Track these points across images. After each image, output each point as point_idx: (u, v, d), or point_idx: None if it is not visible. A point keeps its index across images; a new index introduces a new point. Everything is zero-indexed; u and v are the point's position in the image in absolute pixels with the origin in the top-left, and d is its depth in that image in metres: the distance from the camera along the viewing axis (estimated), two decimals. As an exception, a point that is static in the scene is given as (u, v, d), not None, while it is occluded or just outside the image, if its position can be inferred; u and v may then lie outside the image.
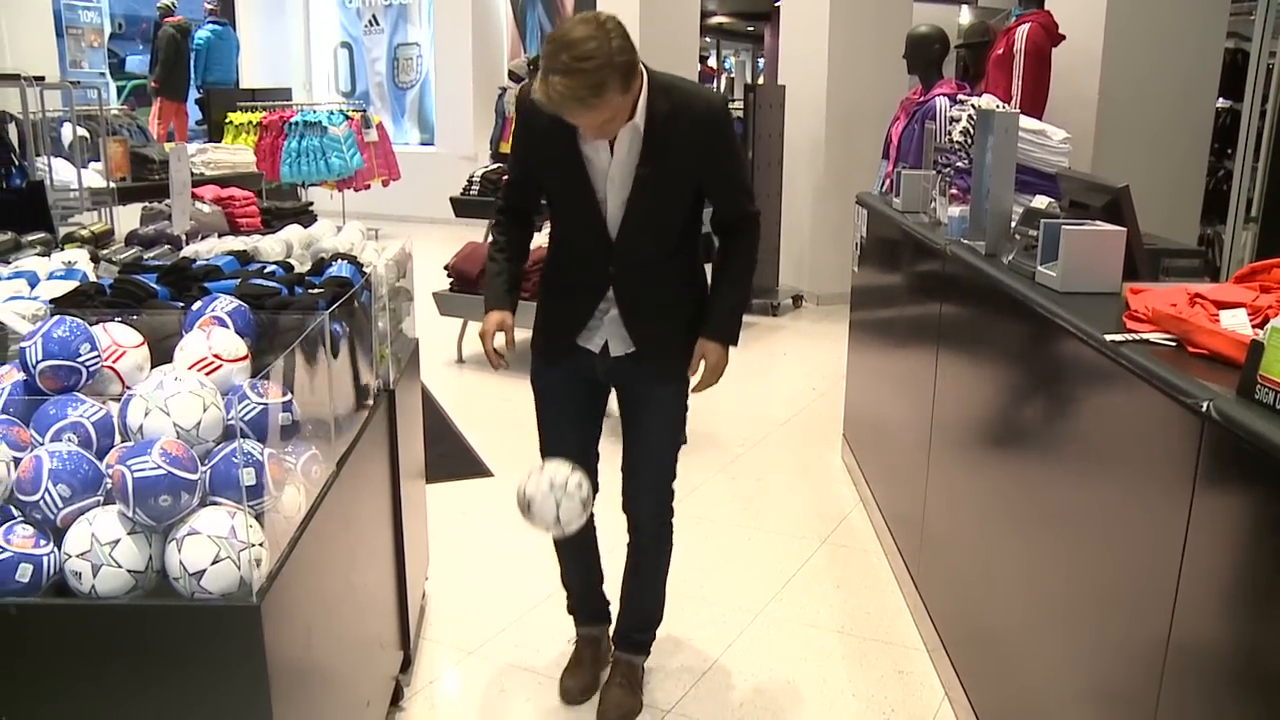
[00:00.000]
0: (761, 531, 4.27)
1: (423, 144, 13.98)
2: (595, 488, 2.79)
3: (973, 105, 3.66)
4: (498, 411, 5.78)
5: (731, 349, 2.79)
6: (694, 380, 2.81)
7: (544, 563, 3.74)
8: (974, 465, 3.04)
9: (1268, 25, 6.91)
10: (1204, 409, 1.68)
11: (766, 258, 8.31)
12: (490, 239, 2.97)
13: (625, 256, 2.70)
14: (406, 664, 3.12)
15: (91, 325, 2.08)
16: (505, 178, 2.99)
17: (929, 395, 3.43)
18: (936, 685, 3.15)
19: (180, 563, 1.73)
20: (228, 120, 11.18)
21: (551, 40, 2.34)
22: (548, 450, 2.89)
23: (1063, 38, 5.73)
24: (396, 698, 2.97)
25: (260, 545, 1.77)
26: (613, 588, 3.13)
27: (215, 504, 1.81)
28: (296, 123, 10.91)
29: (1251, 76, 7.05)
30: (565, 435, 2.90)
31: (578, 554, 3.09)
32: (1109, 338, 2.05)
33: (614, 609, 3.15)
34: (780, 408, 5.93)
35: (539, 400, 2.94)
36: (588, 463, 2.83)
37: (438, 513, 3.80)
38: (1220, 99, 7.02)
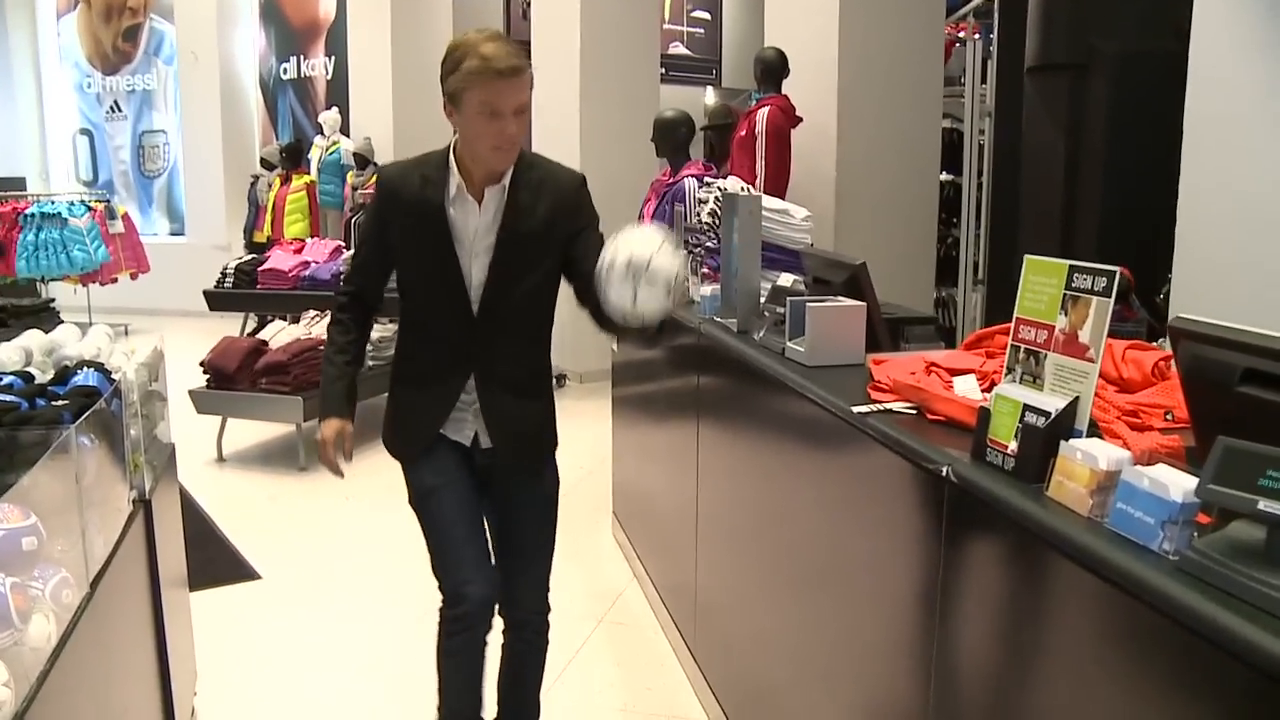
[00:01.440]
0: (541, 614, 4.25)
1: (173, 234, 13.47)
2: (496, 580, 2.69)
3: (718, 188, 3.82)
4: (262, 511, 5.59)
5: None
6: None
7: (322, 668, 3.64)
8: (739, 534, 3.14)
9: (975, 107, 7.56)
10: (944, 473, 1.81)
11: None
12: (328, 337, 2.76)
13: (487, 332, 2.62)
14: (175, 790, 2.95)
15: None
16: (352, 262, 2.85)
17: (692, 468, 3.53)
18: (721, 754, 3.21)
19: (-89, 711, 1.60)
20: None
21: (457, 44, 2.45)
22: (455, 556, 2.66)
23: (800, 120, 6.07)
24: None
25: (5, 684, 1.66)
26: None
27: (-48, 643, 1.68)
28: (33, 214, 10.31)
29: (968, 152, 7.69)
30: (470, 535, 2.69)
31: (477, 667, 2.76)
32: (855, 409, 2.17)
33: None
34: (553, 487, 5.93)
35: (430, 506, 2.68)
36: (487, 558, 2.70)
37: (203, 622, 3.63)
38: (944, 173, 7.59)
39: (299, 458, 6.23)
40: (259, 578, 4.62)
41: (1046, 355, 1.77)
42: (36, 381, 2.65)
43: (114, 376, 2.74)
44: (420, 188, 2.57)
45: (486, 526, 2.76)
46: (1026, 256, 1.85)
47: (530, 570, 2.81)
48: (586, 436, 6.95)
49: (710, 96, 13.40)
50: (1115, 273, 1.65)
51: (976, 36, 7.77)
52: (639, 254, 2.27)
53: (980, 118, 7.60)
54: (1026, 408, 1.72)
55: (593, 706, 3.50)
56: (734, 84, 13.49)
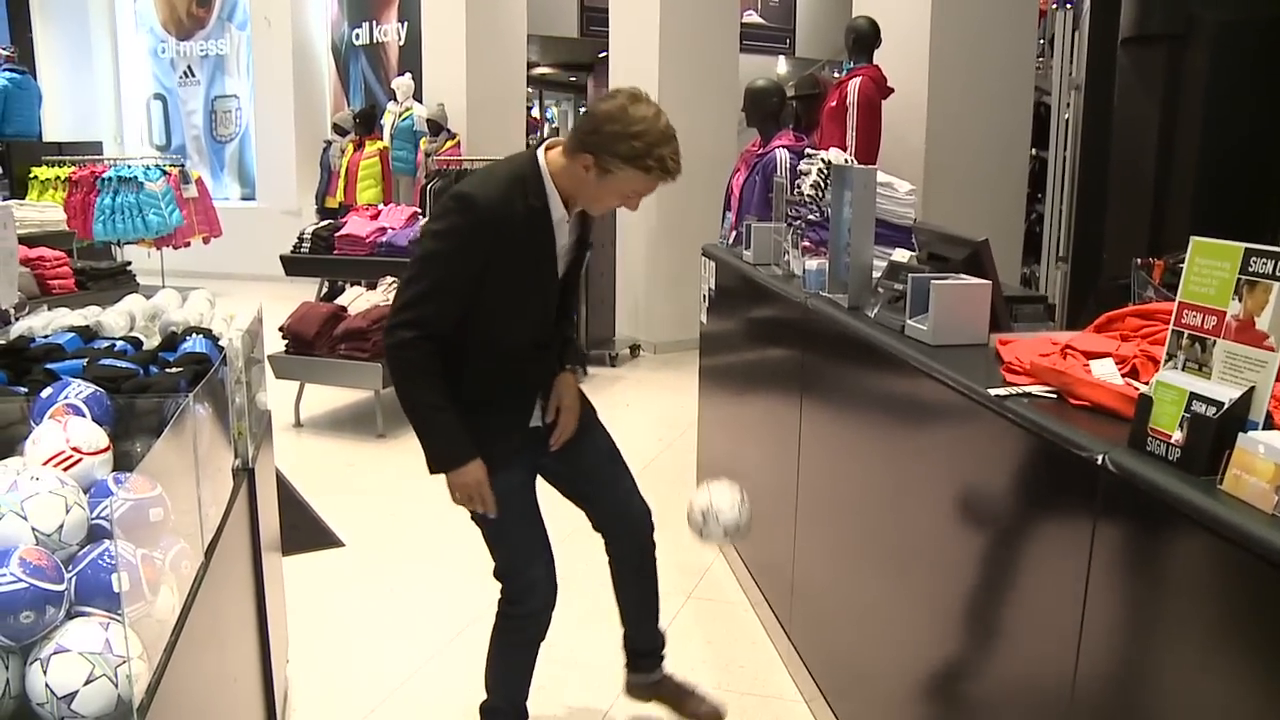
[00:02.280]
0: (626, 589, 4.21)
1: (244, 199, 13.56)
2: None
3: (822, 159, 3.73)
4: (341, 477, 5.60)
5: None
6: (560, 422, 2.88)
7: (405, 637, 3.63)
8: (846, 514, 3.07)
9: (1063, 79, 7.36)
10: (1100, 461, 1.72)
11: (602, 307, 8.33)
12: (411, 380, 2.58)
13: (553, 330, 2.84)
14: (274, 757, 2.95)
15: (-75, 419, 1.90)
16: (424, 303, 2.54)
17: (794, 444, 3.46)
18: (818, 737, 3.15)
19: (46, 685, 1.56)
20: (32, 175, 10.61)
21: (634, 120, 2.48)
22: (532, 556, 2.83)
23: (891, 91, 5.94)
24: (266, 796, 2.80)
25: (138, 657, 1.63)
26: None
27: (84, 615, 1.65)
28: (110, 178, 10.42)
29: (1054, 126, 7.50)
30: (542, 536, 2.88)
31: (532, 663, 2.95)
32: (993, 392, 2.09)
33: None
34: (630, 459, 5.85)
35: (506, 512, 2.72)
36: (554, 564, 2.90)
37: (291, 589, 3.62)
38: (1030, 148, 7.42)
39: (376, 424, 6.23)
40: (343, 545, 4.63)
41: (1215, 342, 1.67)
42: (146, 347, 2.63)
43: (220, 344, 2.72)
44: (524, 214, 2.55)
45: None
46: (1193, 239, 1.75)
47: (626, 476, 3.07)
48: (664, 407, 6.93)
49: (783, 66, 13.25)
50: (1301, 256, 1.56)
51: (1069, 5, 7.55)
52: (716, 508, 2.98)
53: (1068, 90, 7.39)
54: (1194, 396, 1.63)
55: (685, 684, 3.45)
56: (808, 53, 13.33)
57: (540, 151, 2.62)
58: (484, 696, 2.98)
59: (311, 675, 3.49)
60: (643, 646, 3.19)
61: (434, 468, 2.62)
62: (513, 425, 2.77)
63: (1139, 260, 5.29)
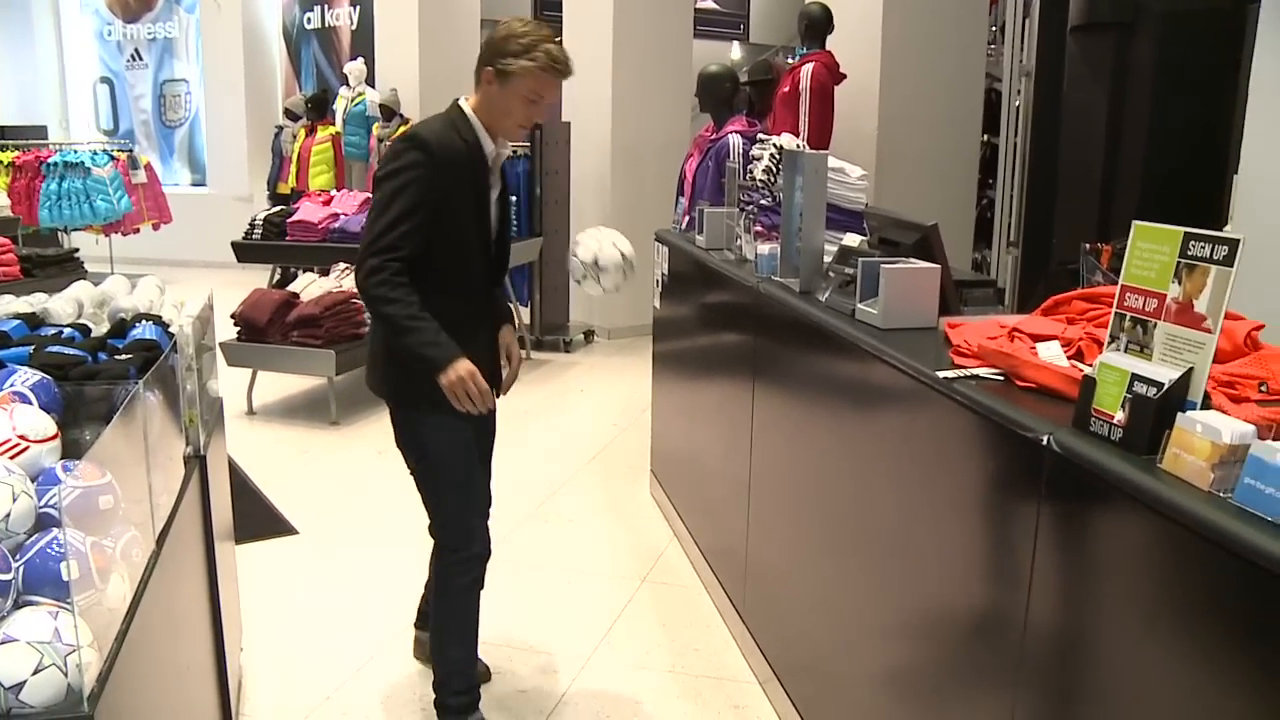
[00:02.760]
0: (580, 574, 4.23)
1: (194, 185, 13.38)
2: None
3: (774, 144, 3.74)
4: (295, 465, 5.57)
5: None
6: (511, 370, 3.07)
7: (359, 624, 3.62)
8: (799, 497, 3.09)
9: (1013, 66, 7.43)
10: (1045, 441, 1.76)
11: (557, 294, 8.32)
12: (390, 300, 2.65)
13: (496, 274, 3.01)
14: (228, 745, 2.93)
15: None
16: (393, 229, 2.66)
17: (747, 428, 3.48)
18: (773, 717, 3.18)
19: (-6, 674, 1.56)
20: (-9, 162, 10.42)
21: (517, 31, 2.73)
22: (473, 501, 2.94)
23: (844, 76, 5.98)
24: (220, 784, 2.79)
25: (88, 646, 1.62)
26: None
27: (32, 604, 1.64)
28: (55, 163, 10.24)
29: (1005, 112, 7.57)
30: (484, 481, 3.03)
31: (477, 612, 3.01)
32: (941, 374, 2.12)
33: None
34: (584, 445, 5.91)
35: (450, 449, 2.83)
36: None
37: (245, 577, 3.61)
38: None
39: (330, 411, 6.20)
40: (296, 532, 4.60)
41: (1156, 324, 1.71)
42: (94, 334, 2.61)
43: (171, 331, 2.70)
44: (464, 149, 2.77)
45: None
46: (1135, 223, 1.78)
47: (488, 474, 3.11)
48: (619, 393, 6.95)
49: (737, 51, 13.26)
50: (1238, 241, 1.59)
51: (1017, -7, 7.62)
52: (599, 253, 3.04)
53: (1019, 77, 7.47)
54: (1135, 377, 1.67)
55: (641, 667, 3.48)
56: (761, 39, 13.35)
57: (461, 99, 2.86)
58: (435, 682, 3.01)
59: (266, 663, 3.47)
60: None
61: (435, 371, 2.67)
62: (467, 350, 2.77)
63: (1087, 245, 5.37)
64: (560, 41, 2.76)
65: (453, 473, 2.86)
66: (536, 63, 2.67)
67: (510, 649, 3.52)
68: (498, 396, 2.90)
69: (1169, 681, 1.50)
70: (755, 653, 3.41)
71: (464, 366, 2.67)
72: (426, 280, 2.72)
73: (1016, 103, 7.69)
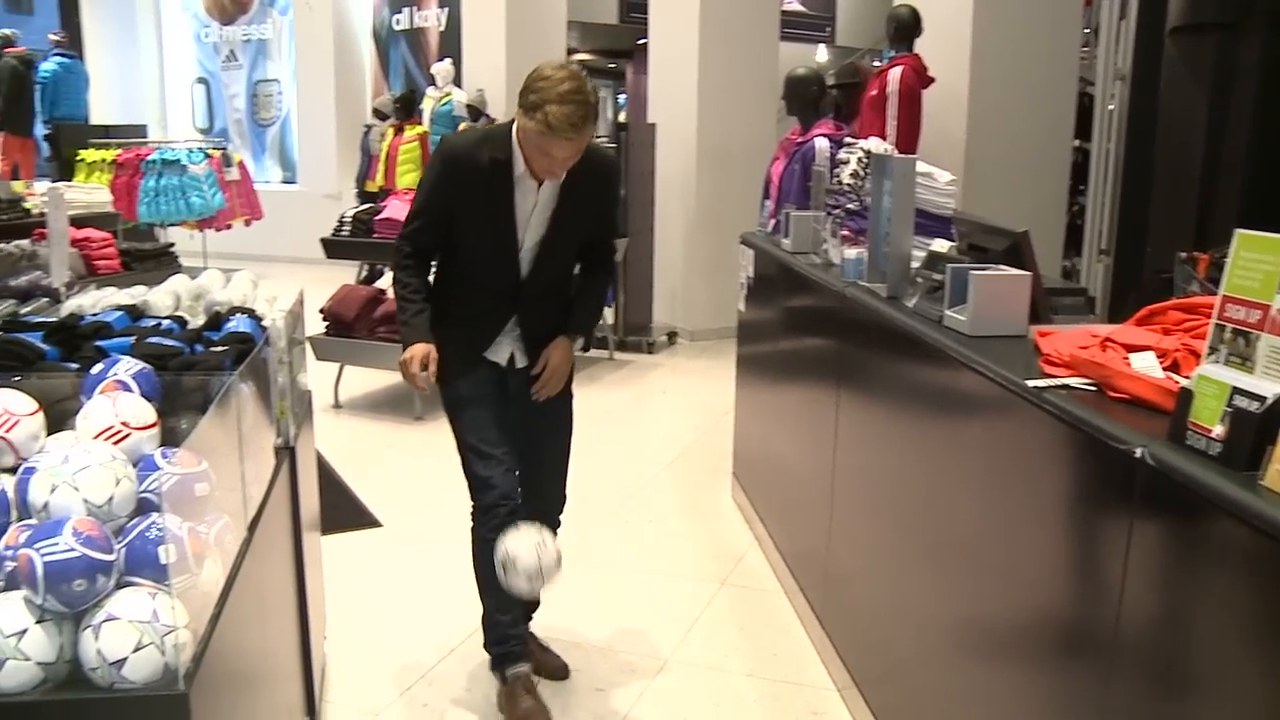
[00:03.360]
0: (659, 575, 4.24)
1: (285, 182, 13.67)
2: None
3: (861, 148, 3.72)
4: (381, 459, 5.65)
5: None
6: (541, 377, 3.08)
7: (443, 616, 3.66)
8: (881, 504, 3.07)
9: (1108, 70, 7.27)
10: (1138, 454, 1.72)
11: (640, 294, 8.35)
12: (398, 280, 3.08)
13: (530, 292, 3.05)
14: (311, 730, 2.99)
15: (-21, 393, 1.94)
16: (412, 221, 3.07)
17: (831, 433, 3.46)
18: (850, 725, 3.16)
19: (98, 651, 1.61)
20: (79, 157, 10.73)
21: (540, 78, 2.71)
22: (485, 459, 3.03)
23: (932, 80, 5.91)
24: (304, 768, 2.85)
25: (184, 627, 1.67)
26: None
27: (133, 585, 1.69)
28: (154, 160, 10.51)
29: (1098, 117, 7.41)
30: (500, 438, 3.06)
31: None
32: (1031, 383, 2.08)
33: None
34: (666, 447, 5.92)
35: (465, 412, 3.07)
36: (514, 465, 3.09)
37: (329, 567, 3.67)
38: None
39: (415, 407, 6.29)
40: (380, 525, 4.67)
41: (1260, 336, 1.66)
42: (190, 326, 2.67)
43: (264, 324, 2.76)
44: (489, 167, 2.89)
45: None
46: (1238, 231, 1.74)
47: (554, 475, 3.24)
48: (701, 395, 6.94)
49: (824, 54, 13.18)
50: (1350, 251, 1.55)
51: (1112, -4, 7.47)
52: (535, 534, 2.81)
53: (1113, 81, 7.32)
54: (1236, 390, 1.62)
55: (718, 670, 3.48)
56: (848, 42, 13.26)
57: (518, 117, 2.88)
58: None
59: (349, 652, 3.53)
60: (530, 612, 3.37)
61: (402, 346, 3.03)
62: (469, 346, 3.06)
63: (1183, 254, 5.23)
64: (574, 102, 2.68)
65: (462, 428, 3.08)
66: (535, 124, 2.69)
67: (588, 648, 3.54)
68: (533, 398, 3.09)
69: (1267, 705, 1.46)
70: (834, 659, 3.39)
71: (415, 350, 2.97)
72: (450, 269, 3.09)
73: (1111, 107, 7.53)
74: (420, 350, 2.98)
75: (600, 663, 3.49)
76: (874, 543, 3.13)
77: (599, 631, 3.71)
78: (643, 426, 6.41)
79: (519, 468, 3.12)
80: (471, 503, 3.11)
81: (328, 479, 4.96)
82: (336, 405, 6.56)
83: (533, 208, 2.95)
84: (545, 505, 3.18)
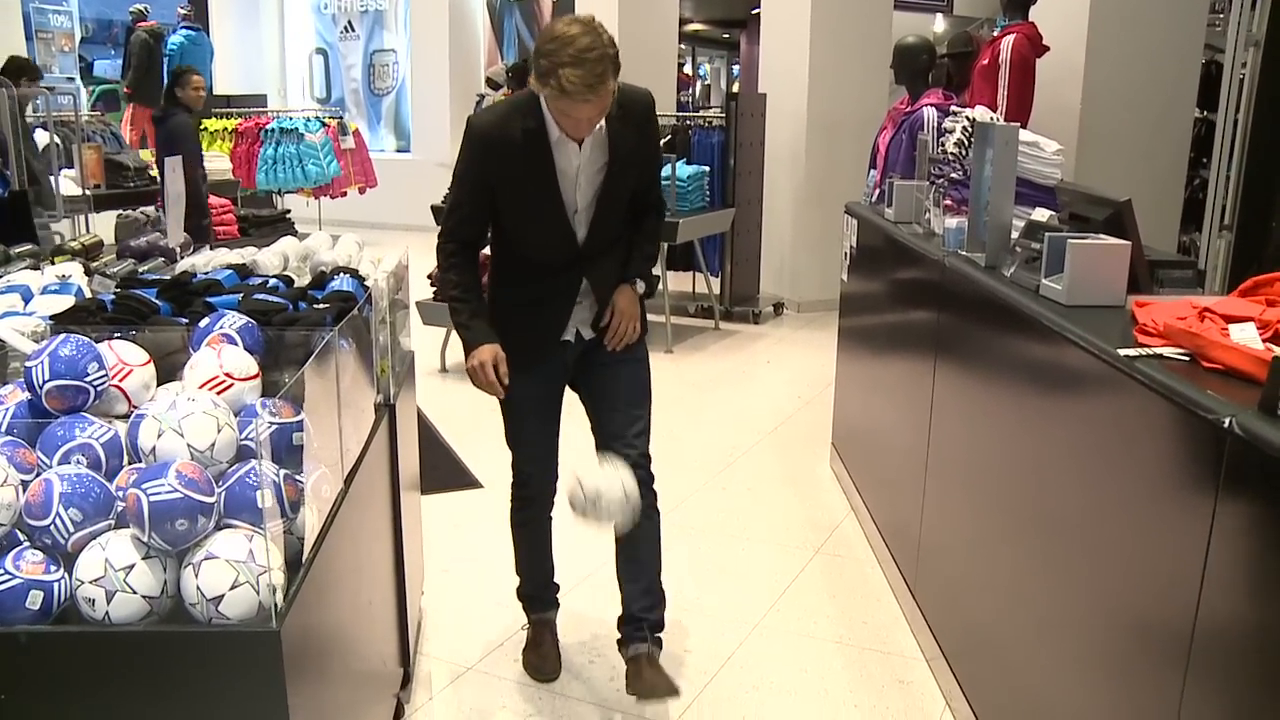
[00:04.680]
0: (754, 542, 4.26)
1: (399, 151, 13.92)
2: (558, 474, 3.12)
3: (967, 117, 3.67)
4: (483, 422, 5.71)
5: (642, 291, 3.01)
6: (610, 325, 2.94)
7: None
8: (974, 474, 3.05)
9: (1240, 36, 6.98)
10: (1226, 424, 1.69)
11: (748, 264, 8.33)
12: (445, 279, 2.96)
13: (591, 252, 2.90)
14: (406, 681, 3.09)
15: (96, 343, 2.05)
16: (452, 215, 2.94)
17: (926, 405, 3.44)
18: (937, 694, 3.15)
19: (198, 588, 1.71)
20: (202, 126, 11.09)
21: (550, 39, 2.54)
22: (522, 450, 3.12)
23: (1047, 49, 5.77)
24: (398, 716, 2.94)
25: (278, 569, 1.75)
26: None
27: (231, 527, 1.78)
28: (273, 129, 10.83)
29: (1225, 86, 7.13)
30: (539, 435, 3.09)
31: (541, 540, 3.26)
32: (1123, 352, 2.05)
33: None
34: (767, 416, 5.93)
35: (510, 405, 3.04)
36: (556, 462, 3.13)
37: (429, 525, 3.78)
38: (1197, 109, 7.09)
39: (518, 373, 6.37)
40: (481, 486, 4.77)
41: (1357, 305, 1.62)
42: (296, 285, 2.77)
43: (366, 284, 2.84)
44: (523, 138, 2.73)
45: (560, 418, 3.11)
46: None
47: (636, 417, 3.02)
48: (805, 366, 6.92)
49: (940, 23, 12.93)
50: None
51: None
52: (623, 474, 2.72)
53: (1244, 48, 7.02)
54: (1330, 360, 1.59)
55: (808, 636, 3.49)
56: (966, 11, 12.97)
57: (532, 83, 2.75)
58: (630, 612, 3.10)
59: (444, 607, 3.64)
60: (627, 609, 3.07)
61: (465, 352, 2.94)
62: (536, 334, 2.96)
63: (1308, 229, 5.04)
64: (587, 61, 2.49)
65: (508, 424, 3.10)
66: (552, 90, 2.55)
67: (680, 609, 3.57)
68: (610, 350, 2.96)
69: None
70: (924, 630, 3.38)
71: (481, 355, 2.87)
72: (506, 250, 2.98)
73: (1240, 75, 7.24)
74: (488, 354, 2.87)
75: (691, 624, 3.54)
76: (966, 515, 3.11)
77: (692, 594, 3.75)
78: (746, 396, 6.42)
79: (596, 422, 3.04)
80: (511, 482, 3.19)
81: (430, 439, 5.08)
82: (443, 369, 6.70)
83: (577, 169, 2.78)
84: (637, 433, 3.02)
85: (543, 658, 3.26)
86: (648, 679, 2.94)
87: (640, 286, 3.00)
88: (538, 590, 3.31)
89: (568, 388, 3.09)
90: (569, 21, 2.57)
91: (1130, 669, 2.07)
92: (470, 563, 4.00)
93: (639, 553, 3.04)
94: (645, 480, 2.97)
